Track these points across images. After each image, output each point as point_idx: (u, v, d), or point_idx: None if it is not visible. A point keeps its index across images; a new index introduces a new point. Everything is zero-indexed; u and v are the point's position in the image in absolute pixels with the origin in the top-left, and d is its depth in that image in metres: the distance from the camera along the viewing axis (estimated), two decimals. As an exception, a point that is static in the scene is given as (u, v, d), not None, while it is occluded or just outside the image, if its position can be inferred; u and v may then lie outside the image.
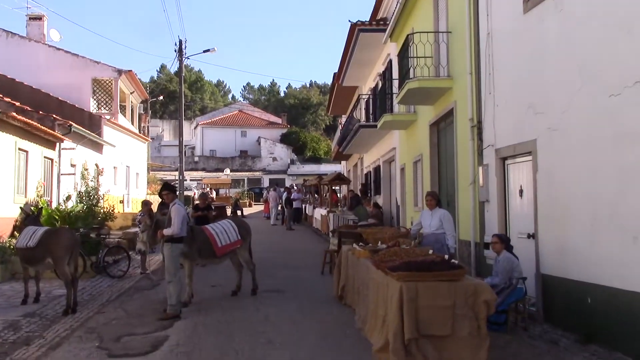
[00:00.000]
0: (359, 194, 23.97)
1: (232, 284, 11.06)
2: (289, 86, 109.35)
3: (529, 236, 9.00)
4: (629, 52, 6.63)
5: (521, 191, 9.36)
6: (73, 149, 21.32)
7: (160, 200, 10.97)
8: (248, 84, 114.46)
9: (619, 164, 6.79)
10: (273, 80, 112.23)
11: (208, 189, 46.46)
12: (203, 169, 66.42)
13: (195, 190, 43.20)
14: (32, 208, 12.09)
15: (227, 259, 10.80)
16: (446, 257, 7.20)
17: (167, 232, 9.09)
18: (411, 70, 13.09)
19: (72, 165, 21.67)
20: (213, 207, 18.22)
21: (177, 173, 32.38)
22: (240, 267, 11.01)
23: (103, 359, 6.82)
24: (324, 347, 7.22)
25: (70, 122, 20.60)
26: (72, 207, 16.50)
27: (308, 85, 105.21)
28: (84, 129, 22.07)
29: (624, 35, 6.72)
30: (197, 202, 17.00)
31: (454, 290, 6.43)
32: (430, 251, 7.87)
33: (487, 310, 6.47)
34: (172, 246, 9.16)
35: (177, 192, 26.55)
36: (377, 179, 24.50)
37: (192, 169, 63.25)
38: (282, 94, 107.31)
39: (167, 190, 9.60)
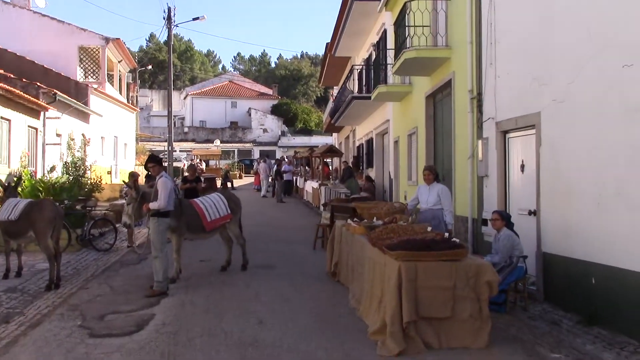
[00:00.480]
0: (351, 166, 23.61)
1: (221, 259, 10.72)
2: (280, 57, 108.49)
3: (530, 213, 8.68)
4: (645, 20, 6.23)
5: (522, 166, 9.01)
6: (58, 118, 20.76)
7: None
8: (238, 54, 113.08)
9: (629, 139, 6.43)
10: (264, 50, 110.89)
11: (198, 160, 46.01)
12: (193, 140, 65.70)
13: (185, 162, 42.65)
14: (15, 178, 11.67)
15: (216, 234, 10.44)
16: (446, 235, 6.87)
17: (153, 205, 8.69)
18: (408, 40, 12.62)
19: (58, 135, 21.14)
20: (202, 179, 17.84)
21: (166, 144, 31.82)
22: (230, 241, 10.67)
23: (84, 339, 6.46)
24: (317, 328, 6.90)
25: (55, 90, 20.02)
26: (57, 178, 16.04)
27: (299, 57, 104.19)
28: (70, 98, 21.51)
29: None
30: (185, 173, 16.56)
31: (455, 270, 6.12)
32: (429, 228, 7.55)
33: (489, 292, 6.19)
34: (158, 220, 8.77)
35: (167, 164, 26.38)
36: (370, 152, 24.16)
37: (181, 140, 62.53)
38: (273, 65, 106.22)
39: (153, 162, 9.17)
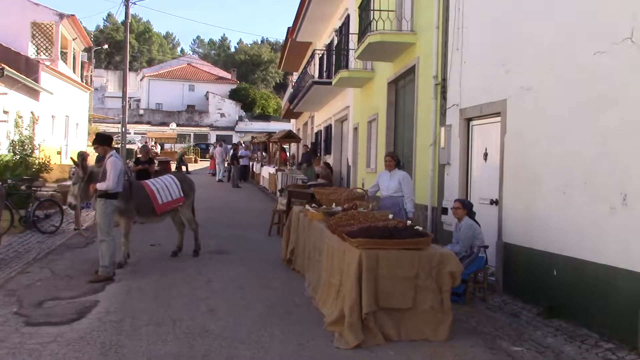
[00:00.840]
0: (313, 151, 23.32)
1: (172, 244, 10.27)
2: (240, 42, 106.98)
3: (492, 202, 8.51)
4: (619, 4, 6.02)
5: (486, 154, 8.82)
6: (5, 94, 19.78)
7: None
8: (198, 37, 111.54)
9: (598, 129, 6.24)
10: (224, 35, 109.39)
11: (153, 142, 45.02)
12: (148, 123, 64.27)
13: (139, 144, 41.65)
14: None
15: (167, 217, 9.97)
16: (409, 223, 6.61)
17: (100, 186, 8.19)
18: (372, 24, 12.32)
19: (5, 112, 20.16)
20: (157, 162, 17.26)
21: (120, 125, 30.86)
22: (182, 226, 10.22)
23: (19, 328, 5.96)
24: (271, 317, 6.56)
25: (2, 65, 19.05)
26: (1, 156, 15.27)
27: (260, 42, 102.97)
28: (19, 74, 20.52)
29: (613, -13, 6.13)
30: (138, 155, 15.94)
31: (417, 259, 5.85)
32: (391, 216, 7.28)
33: (451, 283, 5.95)
34: (105, 202, 8.28)
35: (121, 145, 25.56)
36: (328, 139, 23.88)
37: (136, 122, 61.11)
38: (232, 50, 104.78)
39: (100, 141, 8.60)
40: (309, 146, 24.80)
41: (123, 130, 28.51)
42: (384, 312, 5.79)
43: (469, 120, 9.30)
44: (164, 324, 6.20)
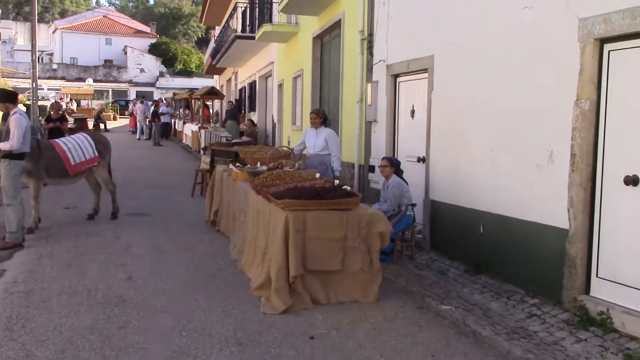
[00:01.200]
0: (238, 108, 22.76)
1: (88, 207, 9.74)
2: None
3: (419, 160, 8.42)
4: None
5: (413, 111, 8.69)
6: None
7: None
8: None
9: (526, 86, 6.16)
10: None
11: (68, 99, 42.89)
12: (63, 78, 61.15)
13: (54, 101, 39.61)
14: None
15: (81, 178, 9.39)
16: (336, 182, 6.40)
17: (3, 145, 7.54)
18: (296, -25, 11.88)
19: None
20: (73, 119, 16.34)
21: (31, 81, 29.10)
22: (98, 187, 9.66)
23: None
24: (194, 282, 6.26)
25: None
26: None
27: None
28: None
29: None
30: (49, 112, 14.99)
31: (346, 220, 5.66)
32: (318, 175, 7.05)
33: (381, 243, 5.81)
34: (10, 163, 7.64)
35: (32, 102, 24.08)
36: (253, 95, 23.38)
37: (50, 77, 57.96)
38: (151, 2, 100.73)
39: (1, 98, 7.87)
40: (234, 102, 24.20)
41: (34, 85, 26.89)
42: (312, 275, 5.60)
43: (396, 76, 9.12)
44: (77, 293, 5.79)
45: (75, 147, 8.87)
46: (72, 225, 9.04)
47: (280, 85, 17.84)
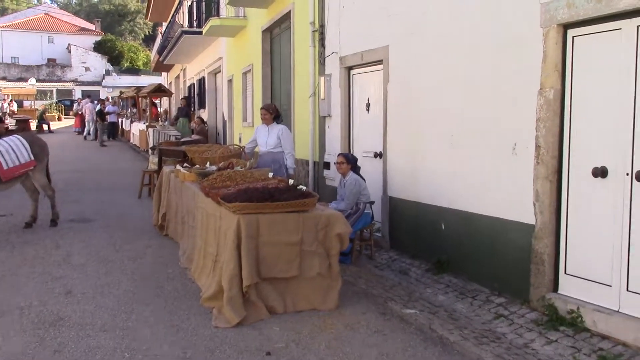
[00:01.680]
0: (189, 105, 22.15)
1: (25, 214, 9.10)
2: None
3: (376, 155, 8.11)
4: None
5: (368, 105, 8.36)
6: None
7: None
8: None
9: (487, 76, 5.88)
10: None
11: (9, 99, 41.31)
12: (4, 78, 58.92)
13: (-6, 102, 38.09)
14: None
15: (16, 184, 8.75)
16: (291, 182, 6.01)
17: None
18: (244, -35, 11.43)
19: None
20: (14, 120, 15.50)
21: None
22: (36, 193, 9.03)
23: None
24: (140, 295, 5.78)
25: None
26: None
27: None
28: None
29: None
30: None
31: (302, 222, 5.28)
32: (271, 174, 6.65)
33: (340, 245, 5.45)
34: None
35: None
36: (202, 92, 22.79)
37: (-10, 78, 55.92)
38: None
39: None
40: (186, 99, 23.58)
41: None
42: (267, 282, 5.20)
43: (349, 68, 8.78)
44: (8, 312, 5.25)
45: (8, 150, 8.25)
46: (8, 234, 8.41)
47: (230, 81, 17.38)
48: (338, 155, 7.68)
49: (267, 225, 5.17)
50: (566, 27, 4.99)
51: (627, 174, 4.56)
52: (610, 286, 4.75)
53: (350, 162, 7.45)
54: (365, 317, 5.28)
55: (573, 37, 4.97)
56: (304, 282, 5.33)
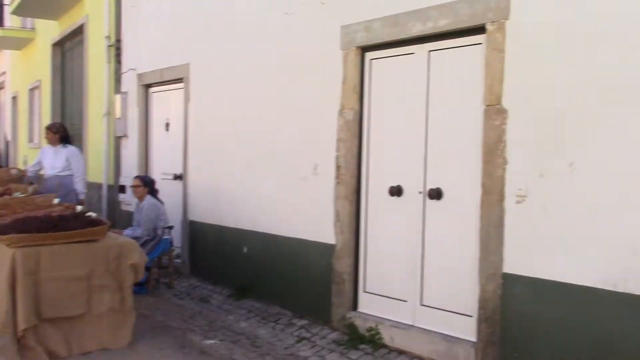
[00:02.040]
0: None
1: None
2: None
3: (175, 177, 7.79)
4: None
5: (168, 124, 8.01)
6: None
7: None
8: None
9: (290, 97, 5.86)
10: None
11: None
12: None
13: None
14: None
15: None
16: (79, 208, 5.46)
17: None
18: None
19: None
20: None
21: None
22: None
23: None
24: None
25: None
26: None
27: None
28: None
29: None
30: None
31: (91, 254, 4.77)
32: (56, 200, 6.00)
33: (134, 276, 5.01)
34: None
35: None
36: (-17, 109, 20.64)
37: None
38: None
39: None
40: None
41: None
42: (48, 324, 4.58)
43: (148, 86, 8.37)
44: None
45: None
46: None
47: (14, 98, 16.00)
48: (134, 178, 7.21)
49: (49, 259, 4.58)
50: (364, 49, 5.13)
51: (420, 192, 4.74)
52: (406, 301, 4.90)
53: (147, 184, 7.02)
54: (163, 352, 4.90)
55: (371, 59, 5.12)
56: (93, 320, 4.79)
